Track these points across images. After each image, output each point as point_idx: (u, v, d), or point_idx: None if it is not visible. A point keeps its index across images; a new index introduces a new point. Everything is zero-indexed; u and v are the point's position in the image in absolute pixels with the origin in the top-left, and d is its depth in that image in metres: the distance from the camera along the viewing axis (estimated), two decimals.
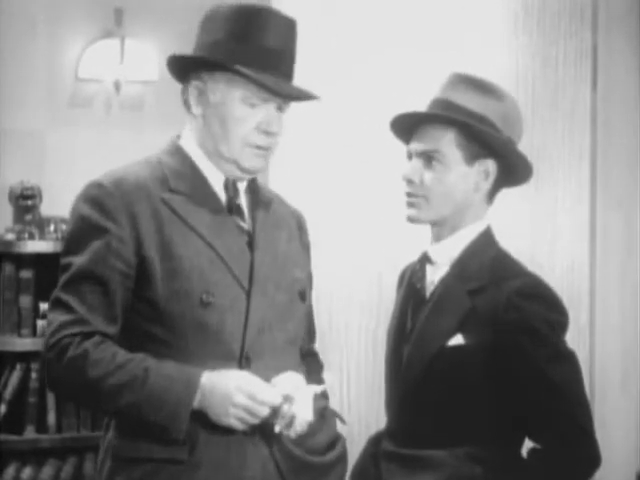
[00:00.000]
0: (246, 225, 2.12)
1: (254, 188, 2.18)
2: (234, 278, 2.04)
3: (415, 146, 2.19)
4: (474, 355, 2.09)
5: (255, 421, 1.96)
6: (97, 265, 1.98)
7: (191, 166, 2.09)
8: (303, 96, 2.10)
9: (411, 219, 2.21)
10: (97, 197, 2.01)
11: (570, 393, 2.10)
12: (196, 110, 2.09)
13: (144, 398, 1.94)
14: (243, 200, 2.14)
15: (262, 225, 2.14)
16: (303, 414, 1.97)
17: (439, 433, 2.12)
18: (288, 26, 2.09)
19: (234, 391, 1.94)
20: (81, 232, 2.01)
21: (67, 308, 1.98)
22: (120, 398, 1.94)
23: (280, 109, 2.09)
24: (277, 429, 1.98)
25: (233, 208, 2.11)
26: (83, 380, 1.95)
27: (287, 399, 1.96)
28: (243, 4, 2.08)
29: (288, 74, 2.09)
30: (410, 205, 2.19)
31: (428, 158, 2.16)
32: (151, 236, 2.00)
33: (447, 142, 2.15)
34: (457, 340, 2.10)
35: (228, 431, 1.97)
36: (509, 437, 2.16)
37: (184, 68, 2.11)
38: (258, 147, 2.07)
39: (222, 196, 2.11)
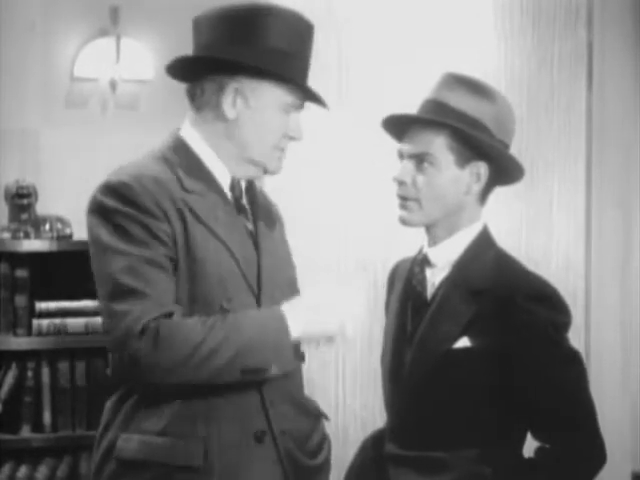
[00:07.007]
0: (250, 226, 2.11)
1: (251, 187, 2.17)
2: (247, 284, 2.04)
3: (406, 147, 2.17)
4: (481, 357, 2.08)
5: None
6: (156, 253, 1.93)
7: (199, 164, 2.07)
8: (325, 104, 2.12)
9: (403, 222, 2.18)
10: (127, 195, 1.95)
11: (579, 393, 2.10)
12: (231, 113, 2.05)
13: (245, 344, 1.92)
14: (244, 200, 2.14)
15: (262, 226, 2.14)
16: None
17: (446, 435, 2.11)
18: (308, 29, 2.08)
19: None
20: (123, 226, 1.94)
21: (138, 295, 1.91)
22: (223, 354, 1.90)
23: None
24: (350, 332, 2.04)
25: (241, 208, 2.11)
26: (183, 353, 1.89)
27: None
28: (270, 5, 2.05)
29: (304, 79, 2.09)
30: (402, 207, 2.17)
31: (419, 160, 2.14)
32: (179, 236, 1.98)
33: (439, 145, 2.12)
34: (463, 342, 2.08)
35: (239, 436, 1.98)
36: (514, 437, 2.16)
37: (200, 69, 2.06)
38: (282, 150, 2.09)
39: (229, 196, 2.10)
